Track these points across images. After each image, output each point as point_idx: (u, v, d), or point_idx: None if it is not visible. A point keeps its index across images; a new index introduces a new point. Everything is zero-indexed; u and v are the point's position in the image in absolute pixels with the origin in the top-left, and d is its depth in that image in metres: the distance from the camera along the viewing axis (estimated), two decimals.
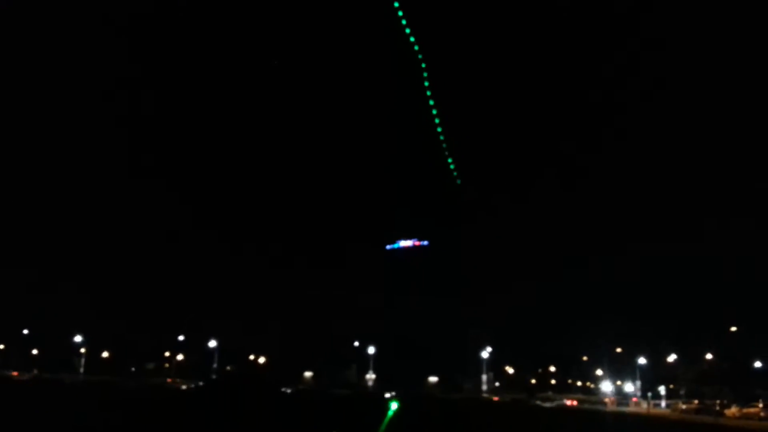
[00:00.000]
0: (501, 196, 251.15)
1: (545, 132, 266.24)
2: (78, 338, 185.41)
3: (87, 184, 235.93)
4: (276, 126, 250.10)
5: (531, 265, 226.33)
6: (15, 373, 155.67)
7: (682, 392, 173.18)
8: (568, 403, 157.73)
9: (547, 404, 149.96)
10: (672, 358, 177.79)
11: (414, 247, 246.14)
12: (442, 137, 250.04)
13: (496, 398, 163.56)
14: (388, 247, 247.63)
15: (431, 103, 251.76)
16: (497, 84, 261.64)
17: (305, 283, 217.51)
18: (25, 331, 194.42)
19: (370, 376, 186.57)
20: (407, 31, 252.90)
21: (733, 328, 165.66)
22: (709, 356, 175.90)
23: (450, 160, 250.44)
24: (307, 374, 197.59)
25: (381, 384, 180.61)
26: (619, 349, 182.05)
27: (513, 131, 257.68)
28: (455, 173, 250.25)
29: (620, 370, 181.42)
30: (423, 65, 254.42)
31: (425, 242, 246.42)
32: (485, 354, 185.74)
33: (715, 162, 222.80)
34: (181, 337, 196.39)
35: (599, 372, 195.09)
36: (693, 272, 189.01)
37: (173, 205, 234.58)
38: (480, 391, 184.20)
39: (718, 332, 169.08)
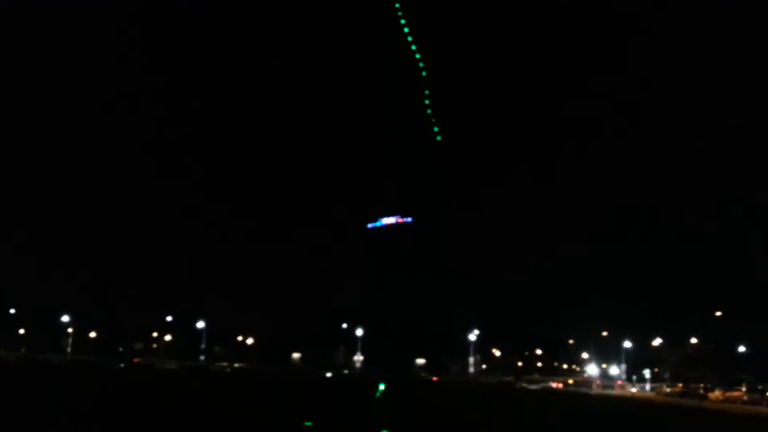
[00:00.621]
0: (489, 177, 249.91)
1: (538, 116, 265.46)
2: (65, 318, 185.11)
3: (74, 171, 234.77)
4: (259, 110, 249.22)
5: (518, 248, 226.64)
6: None
7: (666, 376, 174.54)
8: (554, 385, 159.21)
9: (533, 387, 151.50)
10: (657, 341, 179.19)
11: (397, 224, 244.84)
12: (429, 111, 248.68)
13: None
14: (369, 225, 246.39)
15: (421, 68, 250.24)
16: (487, 63, 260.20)
17: (293, 265, 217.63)
18: (12, 311, 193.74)
19: (358, 357, 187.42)
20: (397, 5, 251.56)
21: (718, 313, 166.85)
22: (693, 340, 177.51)
23: (435, 128, 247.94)
24: (295, 355, 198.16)
25: (369, 366, 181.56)
26: (604, 333, 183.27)
27: (505, 109, 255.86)
28: (438, 143, 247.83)
29: (606, 353, 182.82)
30: (413, 47, 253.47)
31: (408, 219, 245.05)
32: (472, 336, 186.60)
33: (703, 150, 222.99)
34: (169, 318, 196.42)
35: (585, 355, 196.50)
36: (678, 257, 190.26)
37: (162, 188, 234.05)
38: (467, 373, 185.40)
39: (702, 317, 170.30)
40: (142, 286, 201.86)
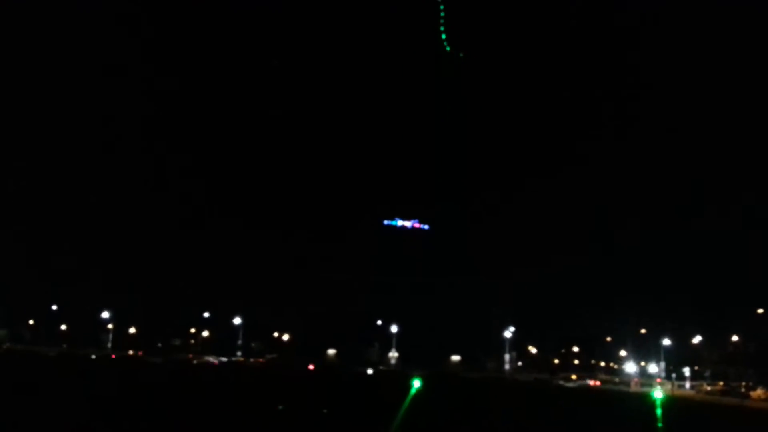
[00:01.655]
0: (521, 173, 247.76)
1: (568, 108, 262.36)
2: (105, 314, 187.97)
3: (115, 172, 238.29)
4: (284, 110, 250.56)
5: (555, 245, 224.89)
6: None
7: (706, 374, 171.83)
8: (591, 383, 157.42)
9: (570, 384, 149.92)
10: (697, 339, 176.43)
11: (412, 228, 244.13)
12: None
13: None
14: (385, 222, 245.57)
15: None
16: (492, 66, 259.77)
17: (328, 262, 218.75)
18: (54, 307, 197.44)
19: (393, 354, 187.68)
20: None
21: (760, 310, 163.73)
22: (734, 338, 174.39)
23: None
24: (330, 352, 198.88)
25: (403, 362, 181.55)
26: (643, 330, 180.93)
27: (535, 104, 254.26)
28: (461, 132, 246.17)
29: (644, 351, 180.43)
30: (446, 47, 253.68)
31: (425, 226, 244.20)
32: (508, 333, 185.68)
33: (737, 142, 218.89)
34: (206, 314, 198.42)
35: (623, 353, 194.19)
36: (719, 252, 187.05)
37: (199, 190, 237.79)
38: (503, 370, 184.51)
39: (744, 313, 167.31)
40: (180, 284, 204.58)
